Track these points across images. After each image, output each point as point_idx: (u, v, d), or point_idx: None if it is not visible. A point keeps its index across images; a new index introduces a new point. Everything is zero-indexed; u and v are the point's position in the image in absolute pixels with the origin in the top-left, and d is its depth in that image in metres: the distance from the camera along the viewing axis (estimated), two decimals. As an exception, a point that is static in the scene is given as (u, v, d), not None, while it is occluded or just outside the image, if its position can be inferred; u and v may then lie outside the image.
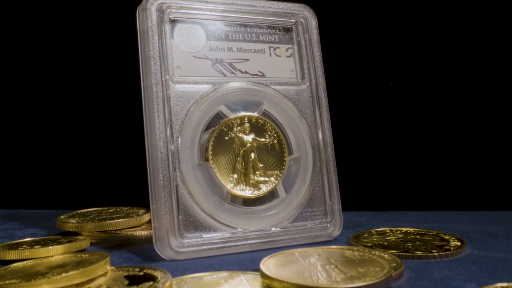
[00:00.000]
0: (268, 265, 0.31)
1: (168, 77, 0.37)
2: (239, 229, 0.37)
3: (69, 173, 0.63)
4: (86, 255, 0.34)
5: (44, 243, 0.38)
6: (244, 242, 0.37)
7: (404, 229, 0.43)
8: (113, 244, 0.41)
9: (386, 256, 0.34)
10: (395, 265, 0.32)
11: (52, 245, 0.37)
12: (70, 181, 0.63)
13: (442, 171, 0.57)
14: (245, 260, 0.35)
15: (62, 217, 0.45)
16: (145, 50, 0.37)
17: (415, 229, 0.43)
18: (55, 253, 0.36)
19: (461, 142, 0.57)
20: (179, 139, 0.37)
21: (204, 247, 0.36)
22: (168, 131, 0.36)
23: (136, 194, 0.50)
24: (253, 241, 0.37)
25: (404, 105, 0.58)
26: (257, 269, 0.31)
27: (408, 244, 0.38)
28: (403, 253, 0.36)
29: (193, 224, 0.36)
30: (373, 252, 0.34)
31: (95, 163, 0.62)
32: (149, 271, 0.31)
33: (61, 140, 0.63)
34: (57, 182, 0.63)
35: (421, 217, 0.52)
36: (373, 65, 0.58)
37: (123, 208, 0.48)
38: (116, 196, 0.59)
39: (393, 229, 0.43)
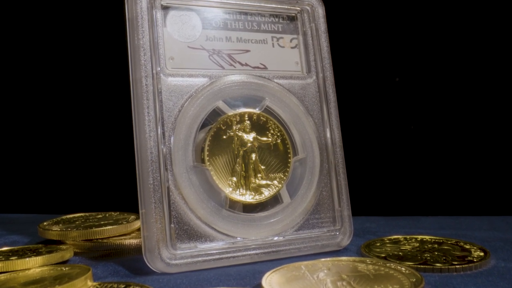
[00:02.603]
0: (271, 281, 0.29)
1: (159, 69, 0.35)
2: (238, 238, 0.36)
3: (56, 174, 0.61)
4: (67, 269, 0.32)
5: (22, 254, 0.36)
6: (244, 253, 0.36)
7: (419, 237, 0.41)
8: (100, 254, 0.39)
9: (403, 269, 0.32)
10: (414, 280, 0.30)
11: (30, 256, 0.34)
12: (58, 184, 0.61)
13: (457, 173, 0.56)
14: (245, 274, 0.33)
15: (45, 223, 0.43)
16: (134, 40, 0.35)
17: (432, 237, 0.41)
18: (33, 265, 0.34)
19: (478, 143, 0.56)
20: (172, 138, 0.35)
21: (199, 258, 0.34)
22: (159, 129, 0.34)
23: (128, 197, 0.48)
24: (254, 252, 0.36)
25: (416, 104, 0.57)
26: (259, 285, 0.29)
27: (425, 255, 0.36)
28: (421, 265, 0.34)
29: (186, 233, 0.34)
30: (388, 265, 0.32)
31: (84, 164, 0.61)
32: (135, 288, 0.28)
33: (48, 139, 0.61)
34: (44, 185, 0.61)
35: (436, 223, 0.50)
36: (386, 57, 0.57)
37: (113, 213, 0.46)
38: (108, 199, 0.58)
39: (408, 236, 0.41)
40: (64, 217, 0.46)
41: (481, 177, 0.56)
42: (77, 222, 0.43)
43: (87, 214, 0.47)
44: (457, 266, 0.33)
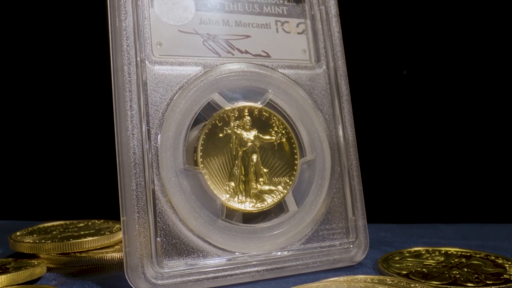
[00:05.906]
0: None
1: (144, 56, 0.33)
2: (237, 253, 0.34)
3: (36, 177, 0.60)
4: (34, 290, 0.29)
5: (-14, 271, 0.33)
6: (244, 271, 0.33)
7: (443, 249, 0.39)
8: (77, 270, 0.36)
9: (432, 292, 0.29)
10: (447, 307, 0.27)
11: (-6, 274, 0.31)
12: (38, 187, 0.60)
13: (479, 177, 0.55)
14: (244, 296, 0.31)
15: (17, 233, 0.40)
16: (115, 22, 0.33)
17: (457, 249, 0.39)
18: (-4, 285, 0.31)
19: (501, 146, 0.55)
20: (159, 137, 0.33)
21: (191, 278, 0.32)
22: (143, 126, 0.32)
23: (115, 203, 0.45)
24: (255, 269, 0.34)
25: (436, 104, 0.56)
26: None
27: (454, 272, 0.34)
28: (451, 286, 0.31)
29: (176, 248, 0.32)
30: (413, 285, 0.30)
31: (66, 165, 0.59)
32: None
33: (24, 138, 0.60)
34: (22, 188, 0.60)
35: (458, 231, 0.48)
36: (405, 45, 0.56)
37: (96, 221, 0.43)
38: (93, 204, 0.56)
39: (430, 249, 0.39)
40: (40, 225, 0.43)
41: (504, 181, 0.55)
42: (54, 232, 0.40)
43: (67, 222, 0.44)
44: (493, 287, 0.30)
